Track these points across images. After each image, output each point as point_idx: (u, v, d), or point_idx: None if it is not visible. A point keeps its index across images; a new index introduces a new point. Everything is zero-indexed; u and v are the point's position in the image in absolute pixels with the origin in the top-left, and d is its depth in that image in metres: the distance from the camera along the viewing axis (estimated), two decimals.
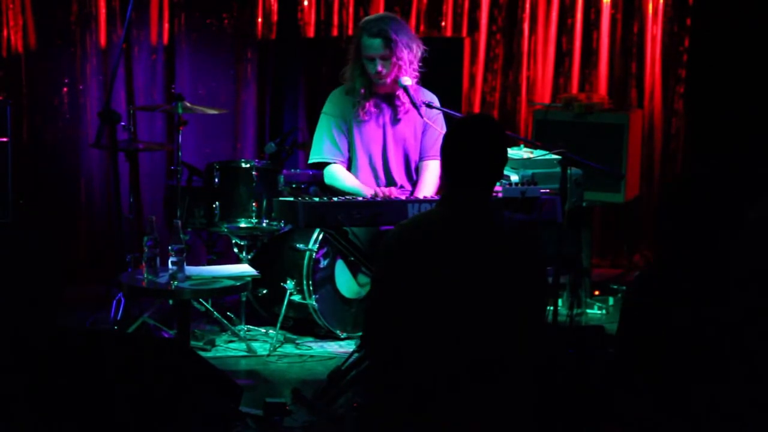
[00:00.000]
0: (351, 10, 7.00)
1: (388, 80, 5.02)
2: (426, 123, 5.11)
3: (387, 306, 3.08)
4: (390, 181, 5.26)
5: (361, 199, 4.58)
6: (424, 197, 4.82)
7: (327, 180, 5.23)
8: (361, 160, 5.19)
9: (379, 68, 4.99)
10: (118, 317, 5.41)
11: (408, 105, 5.05)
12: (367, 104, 5.13)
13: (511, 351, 3.04)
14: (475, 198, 3.11)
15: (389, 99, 5.14)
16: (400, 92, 5.07)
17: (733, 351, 2.72)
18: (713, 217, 2.79)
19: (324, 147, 5.20)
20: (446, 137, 3.17)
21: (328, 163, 5.23)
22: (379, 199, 4.78)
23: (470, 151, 3.11)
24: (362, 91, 5.11)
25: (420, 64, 5.09)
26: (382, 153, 5.19)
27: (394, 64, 4.98)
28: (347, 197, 4.62)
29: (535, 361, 3.09)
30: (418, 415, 3.02)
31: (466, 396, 3.00)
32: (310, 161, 5.30)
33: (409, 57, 5.00)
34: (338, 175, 5.17)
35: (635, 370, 2.83)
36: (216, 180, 5.48)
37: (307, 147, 6.46)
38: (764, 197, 2.91)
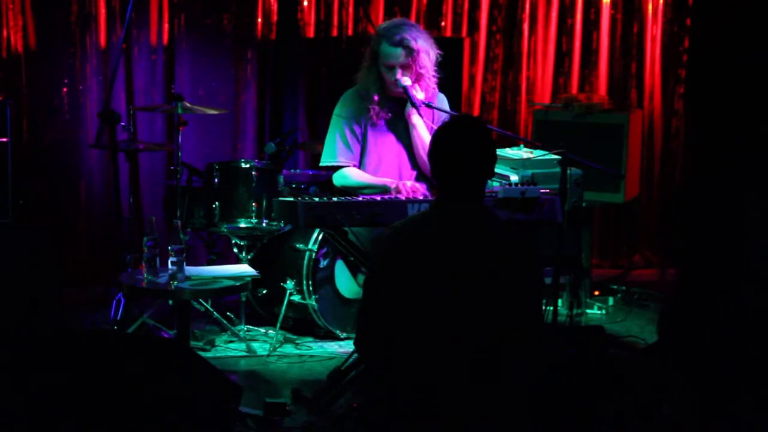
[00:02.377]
0: (351, 10, 7.00)
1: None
2: (427, 123, 5.09)
3: (380, 309, 3.08)
4: None
5: (361, 198, 4.57)
6: (424, 197, 4.81)
7: (339, 181, 5.10)
8: (374, 164, 5.14)
9: (399, 76, 4.96)
10: (118, 317, 5.41)
11: (422, 108, 5.00)
12: (382, 110, 5.09)
13: (508, 351, 3.04)
14: (466, 199, 3.12)
15: (403, 104, 5.09)
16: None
17: None
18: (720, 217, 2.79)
19: (337, 150, 5.11)
20: (432, 141, 3.19)
21: (339, 167, 5.17)
22: (403, 192, 4.76)
23: (456, 153, 3.12)
24: (376, 97, 5.06)
25: (436, 68, 5.08)
26: (394, 158, 5.15)
27: (415, 72, 4.96)
28: (347, 197, 4.60)
29: (533, 361, 3.10)
30: (417, 415, 3.02)
31: (464, 397, 3.00)
32: (322, 164, 5.21)
33: (430, 65, 5.00)
34: (351, 174, 5.09)
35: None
36: (216, 180, 5.48)
37: (307, 147, 6.48)
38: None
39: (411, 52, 4.94)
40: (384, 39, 4.98)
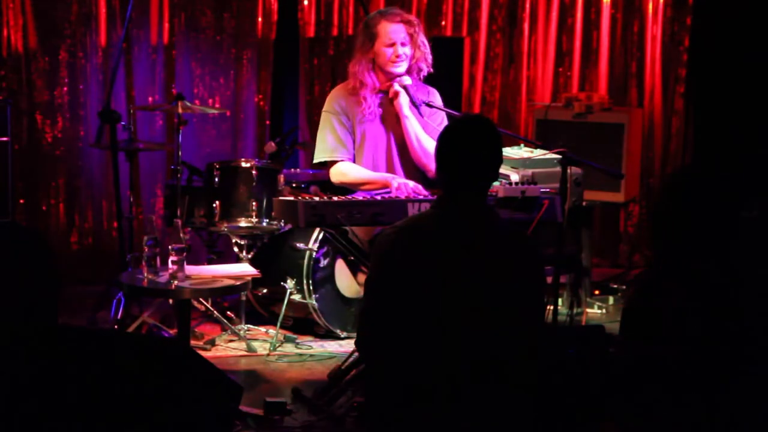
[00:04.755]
0: (351, 9, 7.00)
1: (406, 67, 4.98)
2: (426, 122, 5.07)
3: (382, 309, 3.07)
4: None
5: (361, 198, 4.56)
6: (425, 197, 4.80)
7: (336, 177, 5.02)
8: (366, 159, 5.11)
9: (400, 52, 4.94)
10: (118, 317, 5.42)
11: (421, 107, 4.99)
12: (374, 102, 5.05)
13: (510, 352, 3.03)
14: (471, 199, 3.11)
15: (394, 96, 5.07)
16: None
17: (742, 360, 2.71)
18: (710, 216, 2.78)
19: (330, 145, 5.04)
20: (440, 138, 3.16)
21: (334, 162, 5.08)
22: (403, 192, 4.72)
23: (464, 152, 3.10)
24: (377, 83, 5.01)
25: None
26: (386, 152, 5.13)
27: (416, 47, 4.97)
28: (347, 197, 4.58)
29: (535, 362, 3.09)
30: (418, 415, 3.02)
31: (465, 397, 2.99)
32: (316, 161, 5.09)
33: (426, 42, 5.03)
34: (349, 170, 5.03)
35: (636, 370, 2.83)
36: (216, 180, 5.48)
37: (307, 146, 6.47)
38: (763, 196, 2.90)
39: (412, 25, 4.97)
40: (383, 19, 5.01)
